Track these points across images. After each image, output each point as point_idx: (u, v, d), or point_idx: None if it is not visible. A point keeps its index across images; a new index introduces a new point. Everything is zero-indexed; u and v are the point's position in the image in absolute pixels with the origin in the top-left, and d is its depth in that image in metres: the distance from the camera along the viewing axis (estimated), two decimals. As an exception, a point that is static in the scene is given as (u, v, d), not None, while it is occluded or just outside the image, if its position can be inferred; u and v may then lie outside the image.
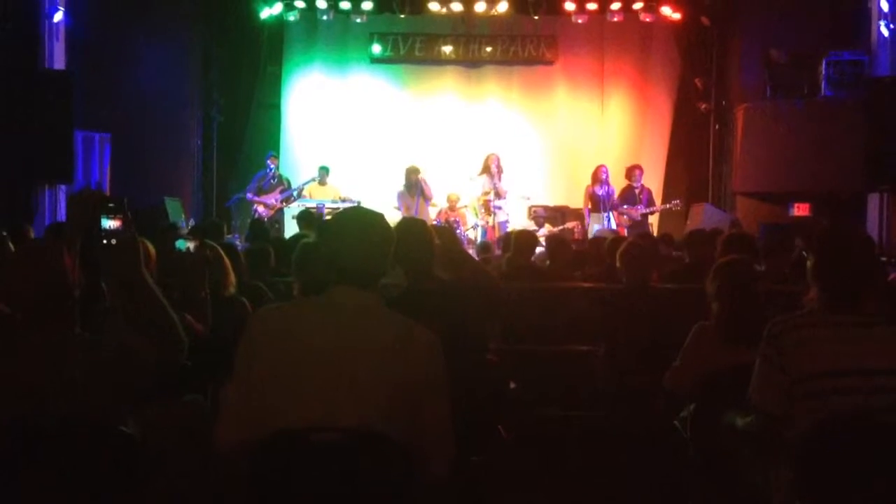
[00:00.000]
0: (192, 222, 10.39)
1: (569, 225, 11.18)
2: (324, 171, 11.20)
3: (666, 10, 12.05)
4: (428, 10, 12.17)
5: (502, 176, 10.95)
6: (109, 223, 2.80)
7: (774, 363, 2.73)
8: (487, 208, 10.89)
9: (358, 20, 12.45)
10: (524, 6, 12.20)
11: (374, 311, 2.44)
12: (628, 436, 4.53)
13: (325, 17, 12.36)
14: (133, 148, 10.55)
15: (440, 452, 2.41)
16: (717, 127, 12.13)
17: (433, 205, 11.21)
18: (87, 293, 2.89)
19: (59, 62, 9.66)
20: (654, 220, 11.49)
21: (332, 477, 2.30)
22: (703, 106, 12.17)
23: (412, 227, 3.73)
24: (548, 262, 6.75)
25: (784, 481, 2.80)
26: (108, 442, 2.58)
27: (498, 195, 10.89)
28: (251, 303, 4.37)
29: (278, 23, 12.47)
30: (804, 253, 4.87)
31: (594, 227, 10.85)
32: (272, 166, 11.32)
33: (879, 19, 9.46)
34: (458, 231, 9.75)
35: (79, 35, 9.92)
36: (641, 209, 11.01)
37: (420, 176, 10.77)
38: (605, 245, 6.27)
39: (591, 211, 11.09)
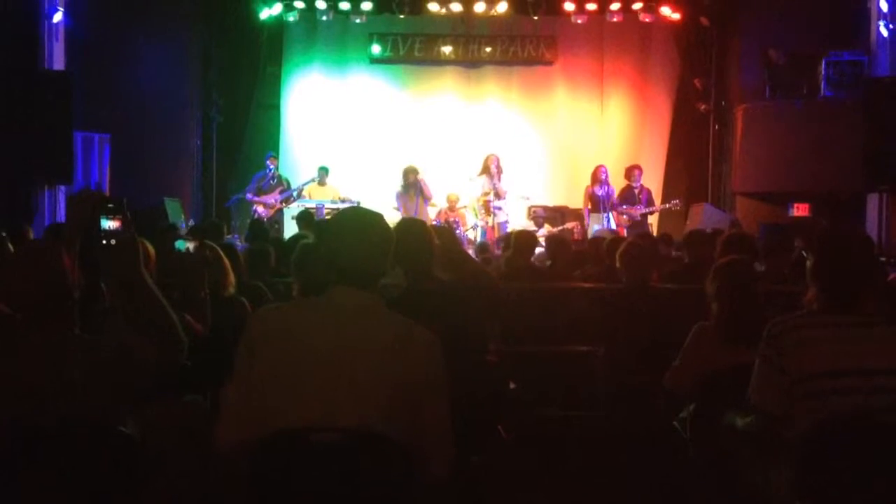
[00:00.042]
0: (191, 223, 10.39)
1: (568, 225, 11.16)
2: (323, 171, 11.20)
3: (665, 11, 12.04)
4: (427, 11, 12.15)
5: (502, 176, 10.95)
6: (109, 223, 2.79)
7: (774, 363, 2.73)
8: (487, 209, 10.88)
9: (357, 20, 12.42)
10: (524, 6, 12.18)
11: (374, 312, 2.44)
12: (628, 436, 4.53)
13: (324, 18, 12.33)
14: (133, 148, 10.56)
15: (440, 452, 2.41)
16: (716, 127, 12.13)
17: (433, 205, 11.21)
18: (86, 293, 2.89)
19: (59, 62, 9.66)
20: (653, 220, 11.46)
21: (331, 477, 2.30)
22: (703, 106, 12.16)
23: (412, 227, 3.73)
24: (548, 263, 6.75)
25: (784, 481, 2.80)
26: (108, 442, 2.57)
27: (497, 195, 10.88)
28: (251, 303, 4.37)
29: (278, 23, 12.45)
30: (804, 253, 4.88)
31: (594, 227, 10.83)
32: (272, 167, 11.32)
33: (879, 19, 9.47)
34: (457, 231, 9.75)
35: (78, 35, 9.93)
36: (641, 209, 10.99)
37: (419, 176, 10.77)
38: (605, 245, 6.26)
39: (590, 211, 11.07)
